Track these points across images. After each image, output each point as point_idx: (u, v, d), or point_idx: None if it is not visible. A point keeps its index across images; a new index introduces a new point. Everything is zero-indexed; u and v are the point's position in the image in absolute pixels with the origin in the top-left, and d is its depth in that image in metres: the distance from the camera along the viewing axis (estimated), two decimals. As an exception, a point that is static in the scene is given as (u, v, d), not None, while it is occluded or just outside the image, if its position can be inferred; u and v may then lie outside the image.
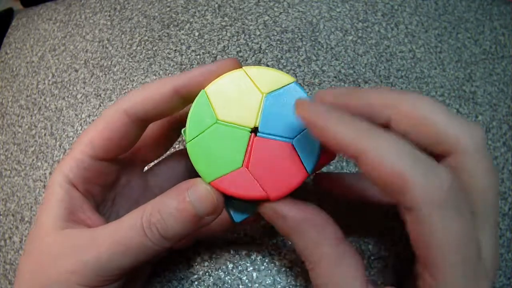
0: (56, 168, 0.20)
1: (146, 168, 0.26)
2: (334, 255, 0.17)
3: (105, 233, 0.18)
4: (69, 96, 0.36)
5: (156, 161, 0.26)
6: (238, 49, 0.35)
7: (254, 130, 0.19)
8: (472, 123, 0.17)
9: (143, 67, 0.36)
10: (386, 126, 0.17)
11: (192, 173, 0.19)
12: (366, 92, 0.18)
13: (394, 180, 0.14)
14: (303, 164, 0.18)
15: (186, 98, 0.20)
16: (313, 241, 0.18)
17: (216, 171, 0.18)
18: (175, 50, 0.36)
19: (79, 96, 0.35)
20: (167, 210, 0.18)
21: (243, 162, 0.18)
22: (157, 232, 0.18)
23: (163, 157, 0.26)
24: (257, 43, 0.35)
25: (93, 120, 0.34)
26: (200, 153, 0.18)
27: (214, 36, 0.36)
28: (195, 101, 0.19)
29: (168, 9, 0.38)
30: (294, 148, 0.18)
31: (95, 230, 0.19)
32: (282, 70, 0.35)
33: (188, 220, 0.18)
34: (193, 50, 0.36)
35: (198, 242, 0.27)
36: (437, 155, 0.17)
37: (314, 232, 0.18)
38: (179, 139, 0.28)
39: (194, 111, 0.19)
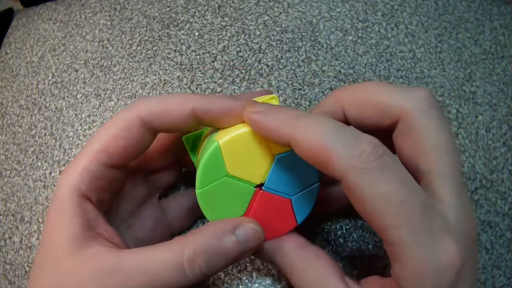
0: (62, 180, 0.19)
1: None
2: (302, 259, 0.19)
3: (135, 263, 0.18)
4: (69, 96, 0.36)
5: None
6: (238, 49, 0.35)
7: (260, 185, 0.20)
8: (415, 88, 0.18)
9: (143, 67, 0.36)
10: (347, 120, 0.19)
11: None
12: (319, 103, 0.20)
13: (319, 154, 0.15)
14: (295, 217, 0.21)
15: (202, 122, 0.20)
16: (281, 255, 0.19)
17: (221, 217, 0.20)
18: (175, 50, 0.36)
19: (79, 96, 0.35)
20: (213, 250, 0.18)
21: (245, 211, 0.20)
22: (199, 271, 0.18)
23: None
24: (257, 43, 0.35)
25: (93, 120, 0.34)
26: (208, 201, 0.20)
27: (214, 36, 0.36)
28: (208, 151, 0.19)
29: (168, 9, 0.38)
30: (291, 204, 0.20)
31: (120, 254, 0.18)
32: (282, 70, 0.35)
33: (232, 257, 0.18)
34: (193, 50, 0.36)
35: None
36: (389, 127, 0.18)
37: (281, 250, 0.20)
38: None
39: (207, 162, 0.19)
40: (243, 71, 0.34)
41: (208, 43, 0.36)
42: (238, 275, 0.27)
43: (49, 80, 0.37)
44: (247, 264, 0.27)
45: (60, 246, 0.18)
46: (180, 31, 0.37)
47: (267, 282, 0.26)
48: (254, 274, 0.27)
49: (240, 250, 0.18)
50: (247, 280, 0.27)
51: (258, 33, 0.36)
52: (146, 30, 0.37)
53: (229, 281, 0.27)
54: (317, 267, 0.19)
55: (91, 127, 0.34)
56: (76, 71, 0.37)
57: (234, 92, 0.33)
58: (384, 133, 0.19)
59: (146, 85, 0.35)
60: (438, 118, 0.17)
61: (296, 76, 0.34)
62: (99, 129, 0.20)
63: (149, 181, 0.25)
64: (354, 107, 0.19)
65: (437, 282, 0.15)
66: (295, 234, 0.21)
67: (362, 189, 0.14)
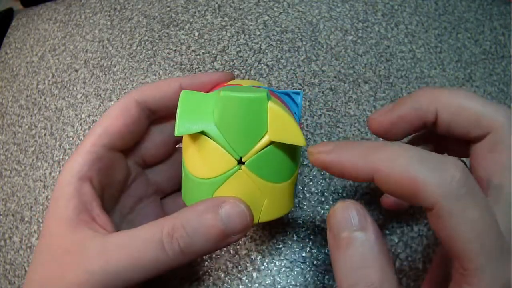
0: (65, 166, 0.20)
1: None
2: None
3: (117, 242, 0.18)
4: (69, 96, 0.36)
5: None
6: (238, 49, 0.35)
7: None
8: (501, 105, 0.18)
9: (143, 67, 0.36)
10: (434, 121, 0.19)
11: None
12: (409, 96, 0.19)
13: (407, 186, 0.15)
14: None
15: None
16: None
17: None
18: (175, 50, 0.36)
19: (79, 96, 0.35)
20: (192, 225, 0.17)
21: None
22: (178, 247, 0.17)
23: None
24: (257, 43, 0.35)
25: (93, 120, 0.34)
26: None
27: (214, 36, 0.36)
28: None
29: (168, 9, 0.38)
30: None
31: (105, 237, 0.18)
32: (282, 70, 0.35)
33: (214, 237, 0.17)
34: (193, 50, 0.36)
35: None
36: (477, 138, 0.18)
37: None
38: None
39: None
40: (243, 71, 0.34)
41: (208, 43, 0.36)
42: (238, 275, 0.27)
43: (49, 80, 0.37)
44: (247, 264, 0.27)
45: (53, 234, 0.19)
46: (180, 31, 0.37)
47: (267, 282, 0.26)
48: (254, 275, 0.27)
49: (222, 229, 0.17)
50: (247, 280, 0.27)
51: (258, 33, 0.36)
52: (146, 30, 0.37)
53: (229, 281, 0.27)
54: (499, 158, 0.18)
55: (91, 127, 0.34)
56: (76, 71, 0.37)
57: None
58: (463, 143, 0.19)
59: (146, 85, 0.35)
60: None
61: (296, 76, 0.34)
62: (99, 119, 0.21)
63: (149, 178, 0.25)
64: (449, 111, 0.18)
65: None
66: None
67: (452, 216, 0.14)
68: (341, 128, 0.32)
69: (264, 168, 0.18)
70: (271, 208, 0.19)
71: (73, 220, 0.18)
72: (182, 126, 0.18)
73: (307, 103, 0.33)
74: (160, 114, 0.23)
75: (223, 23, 0.37)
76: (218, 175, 0.18)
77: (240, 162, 0.18)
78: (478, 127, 0.18)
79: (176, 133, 0.17)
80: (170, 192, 0.26)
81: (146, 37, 0.37)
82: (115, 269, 0.17)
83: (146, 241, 0.17)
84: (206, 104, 0.18)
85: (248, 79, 0.34)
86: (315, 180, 0.29)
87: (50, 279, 0.18)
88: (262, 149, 0.18)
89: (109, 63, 0.36)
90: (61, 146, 0.33)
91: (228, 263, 0.27)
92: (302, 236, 0.28)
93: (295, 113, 0.22)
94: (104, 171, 0.21)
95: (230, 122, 0.17)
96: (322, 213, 0.28)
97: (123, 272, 0.17)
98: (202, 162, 0.18)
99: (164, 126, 0.24)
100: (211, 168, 0.18)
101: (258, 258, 0.27)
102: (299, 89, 0.33)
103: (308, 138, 0.31)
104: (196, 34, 0.37)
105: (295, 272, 0.27)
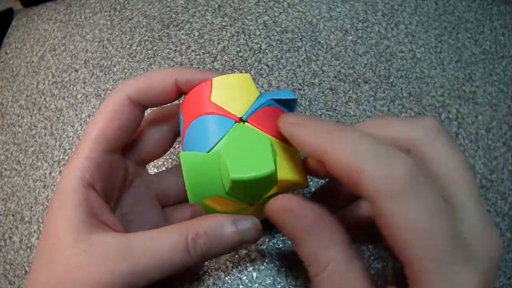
0: (66, 171, 0.20)
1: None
2: (343, 259, 0.16)
3: (142, 245, 0.18)
4: (69, 96, 0.36)
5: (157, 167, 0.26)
6: (238, 49, 0.35)
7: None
8: (422, 118, 0.17)
9: (143, 67, 0.36)
10: None
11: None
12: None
13: (351, 175, 0.14)
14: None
15: (184, 92, 0.21)
16: (323, 245, 0.17)
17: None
18: (175, 50, 0.36)
19: (79, 96, 0.35)
20: (214, 233, 0.19)
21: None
22: (200, 251, 0.19)
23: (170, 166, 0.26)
24: (257, 43, 0.35)
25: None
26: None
27: (214, 36, 0.36)
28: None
29: (168, 9, 0.38)
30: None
31: (126, 238, 0.18)
32: (282, 70, 0.35)
33: (230, 245, 0.19)
34: (193, 50, 0.36)
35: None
36: None
37: (326, 234, 0.17)
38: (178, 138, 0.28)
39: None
40: (243, 71, 0.34)
41: (208, 43, 0.36)
42: (239, 275, 0.27)
43: (49, 80, 0.37)
44: (247, 264, 0.27)
45: (64, 235, 0.18)
46: (180, 31, 0.37)
47: (267, 282, 0.26)
48: (254, 275, 0.27)
49: (238, 240, 0.19)
50: (247, 280, 0.27)
51: (258, 33, 0.36)
52: (146, 30, 0.37)
53: (230, 281, 0.27)
54: (353, 273, 0.16)
55: (85, 127, 0.34)
56: (76, 71, 0.37)
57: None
58: None
59: (146, 85, 0.35)
60: (446, 141, 0.16)
61: (296, 76, 0.34)
62: (93, 118, 0.21)
63: (152, 184, 0.25)
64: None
65: None
66: (341, 225, 0.18)
67: (390, 214, 0.14)
68: (341, 128, 0.31)
69: None
70: None
71: (85, 224, 0.18)
72: (194, 196, 0.19)
73: (307, 103, 0.33)
74: (155, 106, 0.22)
75: (223, 23, 0.37)
76: (232, 211, 0.20)
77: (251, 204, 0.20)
78: (403, 149, 0.17)
79: (191, 202, 0.19)
80: (173, 203, 0.26)
81: (146, 37, 0.37)
82: (142, 271, 0.18)
83: (174, 246, 0.18)
84: (211, 168, 0.18)
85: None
86: (315, 180, 0.30)
87: (66, 280, 0.18)
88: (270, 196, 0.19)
89: (109, 63, 0.36)
90: (61, 146, 0.33)
91: (228, 263, 0.27)
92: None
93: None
94: (105, 175, 0.21)
95: (241, 190, 0.18)
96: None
97: (149, 273, 0.18)
98: (215, 205, 0.20)
99: (161, 124, 0.24)
100: (225, 209, 0.20)
101: (258, 258, 0.27)
102: (299, 89, 0.33)
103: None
104: (196, 34, 0.37)
105: (295, 272, 0.27)
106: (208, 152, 0.18)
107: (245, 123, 0.19)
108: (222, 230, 0.19)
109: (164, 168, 0.31)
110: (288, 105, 0.21)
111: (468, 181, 0.16)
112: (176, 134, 0.24)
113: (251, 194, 0.19)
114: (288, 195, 0.17)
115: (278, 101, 0.20)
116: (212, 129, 0.19)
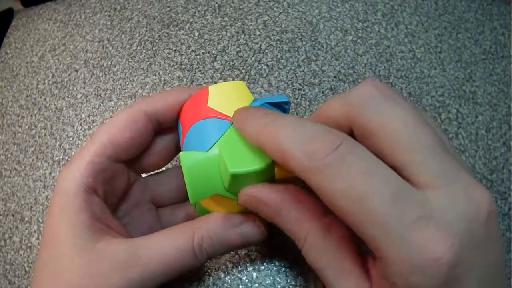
0: (66, 173, 0.19)
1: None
2: (320, 229, 0.17)
3: (149, 251, 0.18)
4: (69, 96, 0.36)
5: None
6: (238, 49, 0.35)
7: None
8: (355, 88, 0.16)
9: (143, 67, 0.36)
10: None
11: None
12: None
13: (282, 159, 0.15)
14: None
15: None
16: (295, 218, 0.17)
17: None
18: (175, 50, 0.36)
19: (79, 96, 0.35)
20: (218, 237, 0.19)
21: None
22: (206, 254, 0.19)
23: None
24: (257, 43, 0.35)
25: (93, 120, 0.34)
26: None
27: (214, 36, 0.36)
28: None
29: (168, 9, 0.38)
30: None
31: (133, 244, 0.18)
32: (282, 70, 0.35)
33: (236, 247, 0.20)
34: (193, 50, 0.36)
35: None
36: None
37: (294, 209, 0.17)
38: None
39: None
40: (243, 71, 0.34)
41: (208, 43, 0.36)
42: (239, 275, 0.27)
43: (49, 80, 0.37)
44: (247, 264, 0.27)
45: (68, 243, 0.18)
46: (180, 31, 0.37)
47: (267, 282, 0.26)
48: (254, 275, 0.27)
49: (242, 242, 0.20)
50: (247, 280, 0.27)
51: (258, 33, 0.36)
52: (146, 30, 0.37)
53: (229, 281, 0.27)
54: (333, 241, 0.17)
55: (91, 127, 0.34)
56: (76, 71, 0.37)
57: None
58: None
59: (146, 85, 0.35)
60: (388, 106, 0.15)
61: (296, 76, 0.34)
62: (104, 124, 0.21)
63: (147, 186, 0.25)
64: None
65: (423, 281, 0.12)
66: (314, 198, 0.18)
67: (320, 188, 0.14)
68: (341, 128, 0.32)
69: None
70: None
71: (89, 229, 0.18)
72: (195, 195, 0.19)
73: (307, 103, 0.33)
74: (167, 126, 0.22)
75: (223, 23, 0.37)
76: (232, 211, 0.20)
77: None
78: (345, 131, 0.17)
79: (192, 202, 0.19)
80: (167, 204, 0.26)
81: (146, 37, 0.37)
82: (151, 277, 0.18)
83: (180, 250, 0.19)
84: (210, 166, 0.19)
85: (242, 80, 0.34)
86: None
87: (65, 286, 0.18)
88: None
89: (109, 63, 0.36)
90: (61, 146, 0.33)
91: (228, 263, 0.27)
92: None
93: None
94: (108, 182, 0.20)
95: (240, 186, 0.19)
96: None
97: (157, 278, 0.18)
98: (213, 207, 0.21)
99: (166, 135, 0.23)
100: (225, 209, 0.20)
101: (258, 258, 0.27)
102: (299, 89, 0.33)
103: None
104: (196, 34, 0.37)
105: (295, 272, 0.27)
106: (207, 152, 0.18)
107: None
108: (226, 233, 0.19)
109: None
110: (282, 107, 0.22)
111: (421, 145, 0.14)
112: (178, 145, 0.24)
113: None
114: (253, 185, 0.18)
115: (272, 104, 0.21)
116: (210, 131, 0.19)
